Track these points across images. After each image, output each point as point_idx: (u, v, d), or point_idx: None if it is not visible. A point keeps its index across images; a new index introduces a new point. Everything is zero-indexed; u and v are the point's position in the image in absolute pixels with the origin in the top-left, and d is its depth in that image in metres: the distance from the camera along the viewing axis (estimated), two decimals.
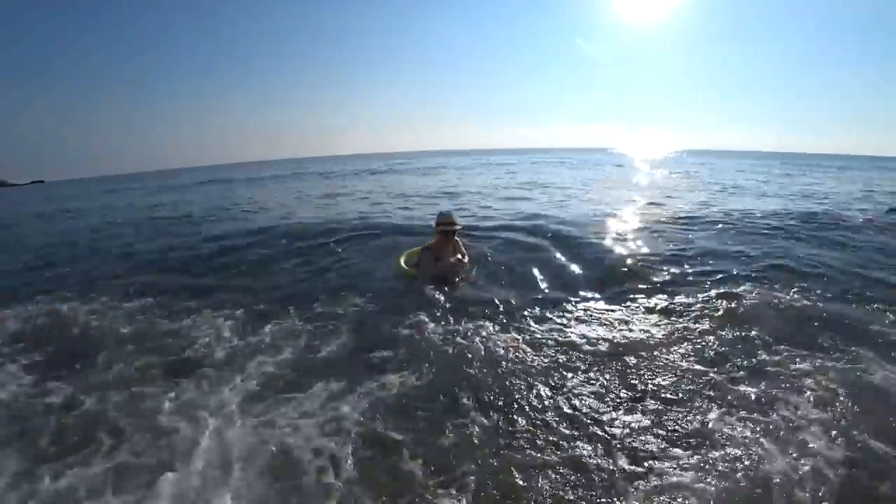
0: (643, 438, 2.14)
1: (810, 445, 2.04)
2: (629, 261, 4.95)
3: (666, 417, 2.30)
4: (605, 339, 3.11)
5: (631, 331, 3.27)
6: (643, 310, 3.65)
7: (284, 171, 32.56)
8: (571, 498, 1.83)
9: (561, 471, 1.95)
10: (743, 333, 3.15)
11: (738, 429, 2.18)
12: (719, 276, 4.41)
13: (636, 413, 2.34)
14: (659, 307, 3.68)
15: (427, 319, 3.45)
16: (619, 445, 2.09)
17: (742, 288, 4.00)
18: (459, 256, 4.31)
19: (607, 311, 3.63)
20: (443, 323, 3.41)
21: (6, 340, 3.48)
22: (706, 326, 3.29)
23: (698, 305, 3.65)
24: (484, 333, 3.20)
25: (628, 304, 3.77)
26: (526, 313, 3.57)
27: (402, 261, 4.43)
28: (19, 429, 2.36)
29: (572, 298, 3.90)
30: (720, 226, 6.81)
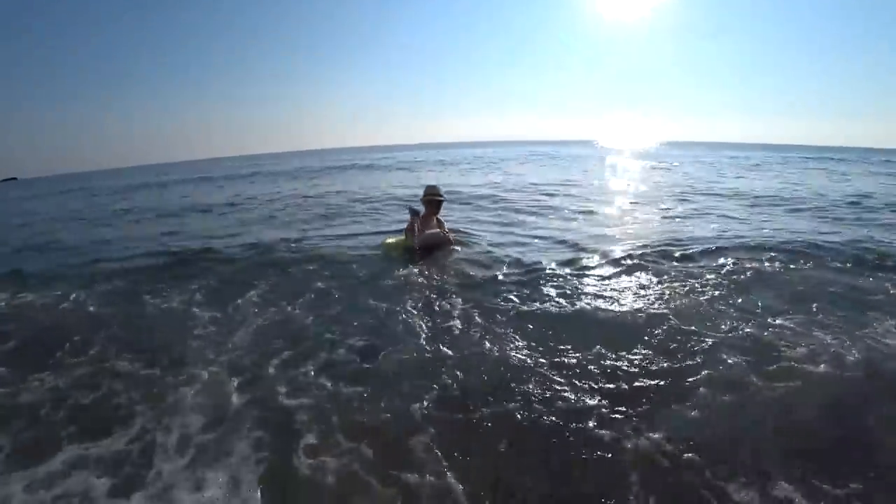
0: (624, 388, 2.30)
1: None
2: (625, 244, 5.09)
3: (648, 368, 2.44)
4: (596, 308, 3.28)
5: (616, 301, 3.41)
6: (628, 281, 3.82)
7: (258, 166, 31.34)
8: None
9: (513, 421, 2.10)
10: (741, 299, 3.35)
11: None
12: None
13: (615, 374, 2.43)
14: (645, 277, 3.90)
15: (409, 291, 3.69)
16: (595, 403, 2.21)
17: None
18: (442, 232, 4.65)
19: (600, 283, 3.79)
20: (424, 293, 3.66)
21: None
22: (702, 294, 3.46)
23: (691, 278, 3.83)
24: (459, 302, 3.40)
25: (614, 278, 3.93)
26: (507, 287, 3.74)
27: (389, 241, 4.69)
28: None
29: (560, 274, 4.01)
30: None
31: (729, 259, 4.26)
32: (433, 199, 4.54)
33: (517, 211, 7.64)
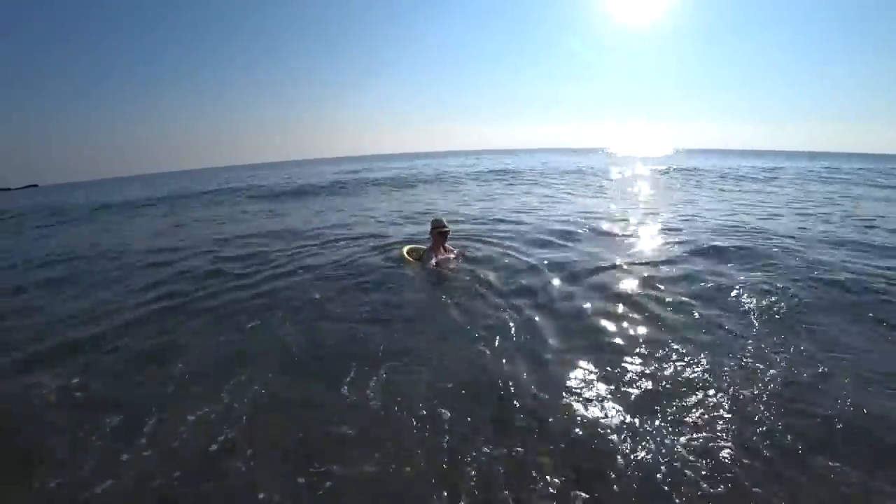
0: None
1: None
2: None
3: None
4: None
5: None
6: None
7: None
8: None
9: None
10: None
11: None
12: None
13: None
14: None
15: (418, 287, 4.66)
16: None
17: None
18: (451, 256, 5.51)
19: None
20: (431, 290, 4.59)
21: None
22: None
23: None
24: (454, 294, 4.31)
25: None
26: (503, 288, 4.39)
27: (404, 250, 5.54)
28: None
29: (551, 286, 4.41)
30: None
31: None
32: (442, 231, 5.32)
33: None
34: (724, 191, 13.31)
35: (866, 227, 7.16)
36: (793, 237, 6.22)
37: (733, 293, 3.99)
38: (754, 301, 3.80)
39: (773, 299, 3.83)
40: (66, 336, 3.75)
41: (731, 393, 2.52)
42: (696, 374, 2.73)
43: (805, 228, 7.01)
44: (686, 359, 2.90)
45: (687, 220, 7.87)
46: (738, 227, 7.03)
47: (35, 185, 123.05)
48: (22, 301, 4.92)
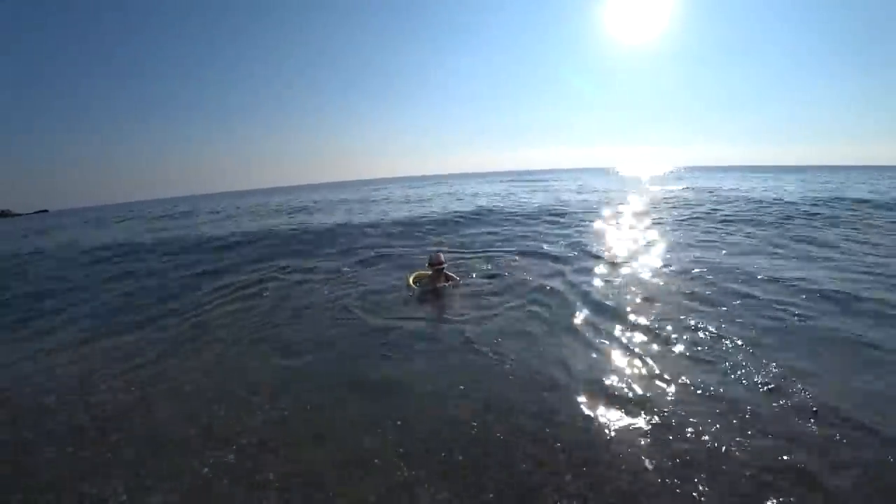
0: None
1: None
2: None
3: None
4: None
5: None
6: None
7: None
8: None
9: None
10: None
11: None
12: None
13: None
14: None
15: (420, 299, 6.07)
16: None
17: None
18: (448, 283, 6.59)
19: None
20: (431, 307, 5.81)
21: None
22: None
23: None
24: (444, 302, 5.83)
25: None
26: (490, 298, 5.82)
27: (410, 278, 6.66)
28: None
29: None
30: None
31: None
32: (438, 268, 6.39)
33: None
34: None
35: None
36: None
37: None
38: None
39: None
40: None
41: None
42: None
43: None
44: None
45: None
46: None
47: (45, 211, 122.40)
48: None
